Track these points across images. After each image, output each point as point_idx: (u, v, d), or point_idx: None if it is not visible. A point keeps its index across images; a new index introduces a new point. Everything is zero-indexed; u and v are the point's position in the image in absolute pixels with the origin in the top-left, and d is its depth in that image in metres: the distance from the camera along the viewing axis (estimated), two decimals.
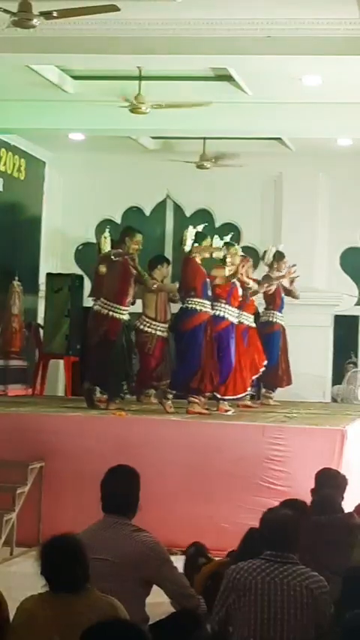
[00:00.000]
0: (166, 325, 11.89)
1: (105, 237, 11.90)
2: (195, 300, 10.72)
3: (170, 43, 9.82)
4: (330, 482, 6.65)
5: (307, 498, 6.56)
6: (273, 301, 12.96)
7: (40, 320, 14.79)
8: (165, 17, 9.65)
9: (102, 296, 11.03)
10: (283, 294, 13.07)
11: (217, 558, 6.62)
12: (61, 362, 14.32)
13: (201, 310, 10.72)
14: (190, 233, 11.19)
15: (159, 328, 11.81)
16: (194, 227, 11.27)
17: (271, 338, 12.78)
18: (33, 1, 8.13)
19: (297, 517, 5.14)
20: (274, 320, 12.96)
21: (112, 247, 11.55)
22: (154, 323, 11.77)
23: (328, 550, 5.87)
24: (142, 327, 11.58)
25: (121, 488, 5.50)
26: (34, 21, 8.14)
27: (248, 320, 12.23)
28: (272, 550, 4.78)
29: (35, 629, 4.17)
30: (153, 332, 11.75)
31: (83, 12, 8.39)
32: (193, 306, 10.71)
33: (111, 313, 10.84)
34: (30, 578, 4.53)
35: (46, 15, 8.16)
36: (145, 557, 5.27)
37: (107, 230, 12.10)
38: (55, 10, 8.14)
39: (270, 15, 9.52)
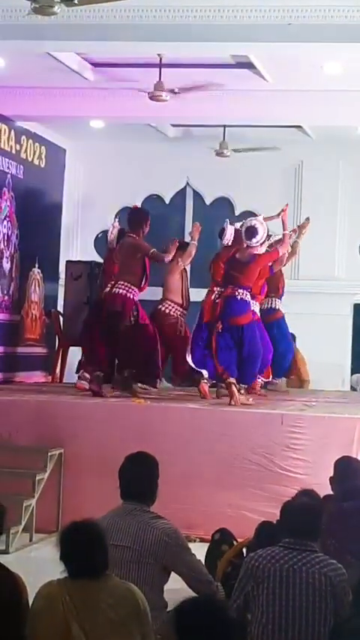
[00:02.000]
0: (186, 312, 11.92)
1: (114, 227, 12.17)
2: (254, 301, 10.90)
3: (191, 30, 9.76)
4: (350, 470, 6.65)
5: (326, 486, 6.57)
6: (276, 288, 12.76)
7: (60, 307, 14.81)
8: (186, 4, 9.61)
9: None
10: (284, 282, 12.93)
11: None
12: (81, 349, 14.32)
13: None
14: (230, 228, 11.15)
15: (183, 314, 11.83)
16: (231, 222, 11.34)
17: (276, 325, 12.57)
18: None
19: (317, 505, 5.14)
20: (277, 307, 12.78)
21: (119, 236, 11.75)
22: (179, 309, 11.77)
23: (353, 536, 5.88)
24: (167, 311, 11.58)
25: (139, 475, 5.52)
26: (55, 8, 8.10)
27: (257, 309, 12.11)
28: (291, 537, 4.79)
29: (54, 615, 4.18)
30: (181, 317, 11.78)
31: None
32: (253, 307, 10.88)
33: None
34: (49, 564, 4.56)
35: (67, 2, 8.13)
36: (163, 544, 5.29)
37: (116, 220, 12.29)
38: None
39: (291, 2, 9.47)
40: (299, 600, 4.63)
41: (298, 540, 4.77)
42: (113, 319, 10.70)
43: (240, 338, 10.55)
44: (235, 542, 6.75)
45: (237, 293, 10.59)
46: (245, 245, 10.79)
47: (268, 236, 11.13)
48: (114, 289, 10.71)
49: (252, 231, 10.76)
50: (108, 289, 10.83)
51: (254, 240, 10.72)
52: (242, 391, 10.90)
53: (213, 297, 11.31)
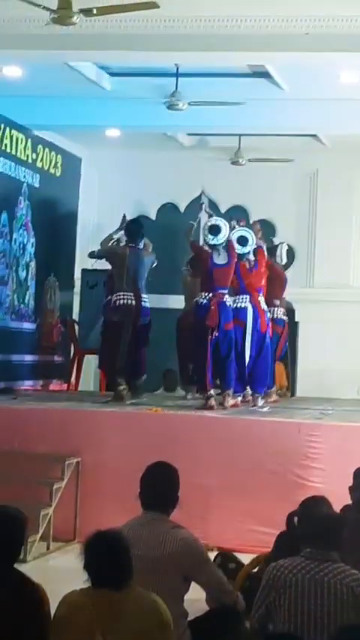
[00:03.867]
0: None
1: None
2: None
3: (208, 40, 9.79)
4: None
5: (345, 496, 6.56)
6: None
7: (76, 315, 14.85)
8: (203, 14, 9.64)
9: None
10: None
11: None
12: (96, 357, 14.35)
13: None
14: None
15: None
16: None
17: None
18: None
19: (339, 515, 5.14)
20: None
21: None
22: None
23: None
24: None
25: (160, 485, 5.52)
26: (74, 18, 8.17)
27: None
28: (312, 548, 4.78)
29: (78, 624, 4.18)
30: None
31: (123, 9, 8.41)
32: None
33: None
34: (66, 572, 4.56)
35: (86, 12, 8.19)
36: (183, 554, 5.29)
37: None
38: (94, 8, 8.16)
39: (308, 12, 9.49)
40: (321, 611, 4.63)
41: (320, 551, 4.77)
42: (142, 332, 11.14)
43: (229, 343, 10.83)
44: (238, 559, 6.74)
45: (225, 298, 10.83)
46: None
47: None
48: (142, 301, 11.11)
49: (216, 229, 10.98)
50: (129, 300, 11.03)
51: (220, 235, 10.92)
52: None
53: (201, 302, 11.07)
